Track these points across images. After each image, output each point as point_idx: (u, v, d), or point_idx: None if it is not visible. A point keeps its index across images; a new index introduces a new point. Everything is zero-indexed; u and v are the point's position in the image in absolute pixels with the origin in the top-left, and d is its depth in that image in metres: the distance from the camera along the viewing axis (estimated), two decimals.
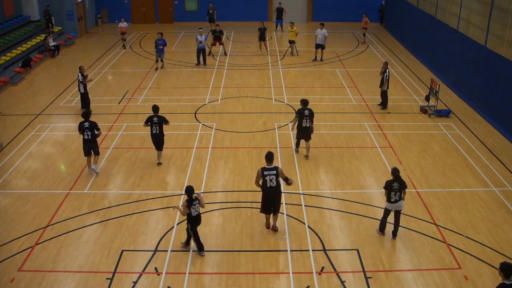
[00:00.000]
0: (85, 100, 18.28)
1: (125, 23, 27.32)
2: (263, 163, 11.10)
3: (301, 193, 12.99)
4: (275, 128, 16.89)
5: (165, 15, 34.03)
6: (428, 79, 20.50)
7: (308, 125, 14.28)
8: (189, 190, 10.20)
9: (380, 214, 11.95)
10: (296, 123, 14.45)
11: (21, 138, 16.26)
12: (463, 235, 11.29)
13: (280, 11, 31.00)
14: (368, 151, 15.32)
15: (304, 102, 14.38)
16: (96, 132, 13.58)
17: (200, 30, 24.05)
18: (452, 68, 21.25)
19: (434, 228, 11.55)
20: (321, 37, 24.34)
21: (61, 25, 29.53)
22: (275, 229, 11.39)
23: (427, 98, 18.66)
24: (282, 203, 12.30)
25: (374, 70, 23.29)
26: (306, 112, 14.25)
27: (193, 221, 10.34)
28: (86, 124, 13.51)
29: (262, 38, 26.06)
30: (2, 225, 11.69)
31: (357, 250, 10.78)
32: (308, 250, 10.75)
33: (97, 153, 13.77)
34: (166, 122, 14.19)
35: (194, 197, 10.25)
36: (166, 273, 10.07)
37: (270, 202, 11.06)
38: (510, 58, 16.44)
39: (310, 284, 9.78)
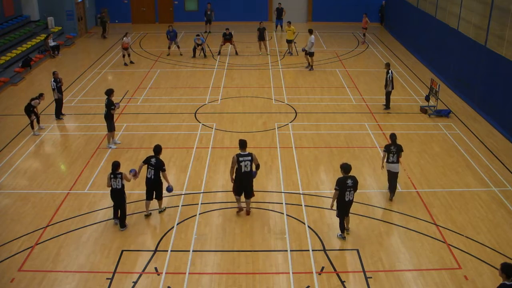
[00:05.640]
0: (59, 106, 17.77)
1: (129, 38, 24.58)
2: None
3: (301, 193, 12.99)
4: (275, 128, 16.88)
5: (165, 15, 34.01)
6: (428, 79, 20.50)
7: (351, 198, 10.84)
8: (114, 165, 11.14)
9: (379, 214, 12.04)
10: (336, 198, 10.88)
11: (21, 138, 16.26)
12: (463, 235, 11.28)
13: (280, 11, 31.02)
14: (368, 151, 15.31)
15: (345, 169, 10.75)
16: (112, 110, 15.23)
17: (198, 36, 25.40)
18: (452, 68, 21.25)
19: (434, 228, 11.55)
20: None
21: (61, 25, 29.52)
22: (248, 213, 11.94)
23: (427, 98, 18.66)
24: (282, 203, 12.34)
25: (374, 70, 23.30)
26: (349, 182, 10.69)
27: (113, 194, 11.27)
28: (106, 101, 15.32)
29: (261, 38, 26.11)
30: (2, 225, 11.69)
31: (357, 250, 10.77)
32: (308, 250, 10.75)
33: (109, 129, 15.46)
34: (163, 169, 11.62)
35: (117, 172, 11.06)
36: (166, 273, 10.07)
37: (243, 186, 11.67)
38: (510, 58, 16.44)
39: (310, 284, 9.78)
